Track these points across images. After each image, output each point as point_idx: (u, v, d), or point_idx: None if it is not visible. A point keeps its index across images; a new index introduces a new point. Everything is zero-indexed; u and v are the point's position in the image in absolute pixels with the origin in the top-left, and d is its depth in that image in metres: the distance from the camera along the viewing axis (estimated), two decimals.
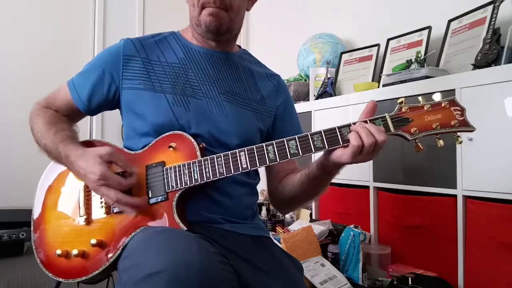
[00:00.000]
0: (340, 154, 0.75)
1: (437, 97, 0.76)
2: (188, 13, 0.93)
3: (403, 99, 0.77)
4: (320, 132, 0.76)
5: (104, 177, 0.76)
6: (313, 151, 0.76)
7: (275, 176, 1.01)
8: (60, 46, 2.96)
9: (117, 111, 0.99)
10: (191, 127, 0.86)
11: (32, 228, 0.90)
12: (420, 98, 0.77)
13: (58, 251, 0.83)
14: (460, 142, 0.76)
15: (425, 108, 0.75)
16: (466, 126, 0.74)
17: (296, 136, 0.77)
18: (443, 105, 0.75)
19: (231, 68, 0.97)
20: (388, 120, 0.76)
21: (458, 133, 0.75)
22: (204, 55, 0.94)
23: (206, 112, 0.89)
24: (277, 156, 0.76)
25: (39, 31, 2.88)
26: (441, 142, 0.76)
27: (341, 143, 0.75)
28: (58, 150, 0.84)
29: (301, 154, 0.76)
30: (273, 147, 0.77)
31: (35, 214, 0.91)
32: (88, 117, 1.02)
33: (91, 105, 0.94)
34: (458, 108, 0.75)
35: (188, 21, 0.96)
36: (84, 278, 0.80)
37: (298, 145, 0.76)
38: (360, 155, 0.74)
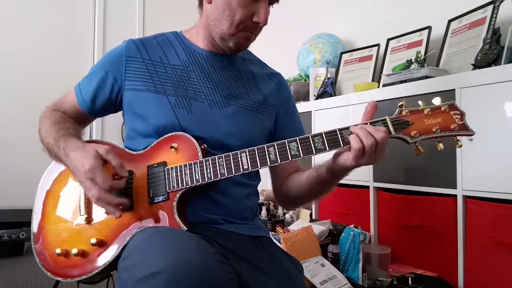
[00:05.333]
0: (345, 158, 0.77)
1: (437, 101, 0.77)
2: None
3: (403, 102, 0.77)
4: (321, 134, 0.76)
5: (93, 171, 0.76)
6: (314, 152, 0.76)
7: (279, 175, 1.02)
8: (60, 46, 2.96)
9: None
10: (193, 129, 0.86)
11: (31, 227, 0.90)
12: (420, 102, 0.77)
13: (58, 250, 0.83)
14: (460, 146, 0.77)
15: (425, 111, 0.76)
16: (465, 130, 0.75)
17: (297, 138, 0.77)
18: (443, 109, 0.76)
19: (233, 71, 0.97)
20: (389, 122, 0.76)
21: (458, 137, 0.76)
22: (207, 58, 0.94)
23: (208, 115, 0.89)
24: (278, 158, 0.77)
25: (39, 31, 2.88)
26: (441, 146, 0.76)
27: (341, 145, 0.76)
28: (58, 143, 0.85)
29: (302, 156, 0.76)
30: (274, 148, 0.77)
31: (36, 213, 0.91)
32: None
33: (95, 106, 0.95)
34: (458, 112, 0.75)
35: (192, 22, 0.96)
36: (83, 277, 0.80)
37: (299, 147, 0.76)
38: (363, 157, 0.74)
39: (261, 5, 0.84)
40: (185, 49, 0.95)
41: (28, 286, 1.91)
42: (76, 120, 0.98)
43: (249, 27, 0.87)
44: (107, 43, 3.08)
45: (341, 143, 0.76)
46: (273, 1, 0.88)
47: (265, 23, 0.86)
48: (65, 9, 3.00)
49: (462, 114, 0.75)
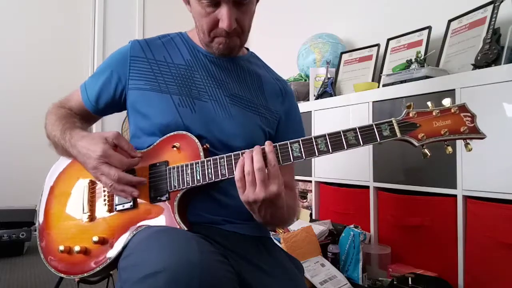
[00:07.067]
0: None
1: (446, 102, 0.73)
2: (189, 14, 0.93)
3: (411, 103, 0.74)
4: (324, 136, 0.75)
5: (106, 155, 0.77)
6: (317, 154, 0.75)
7: None
8: (60, 46, 2.96)
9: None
10: (196, 128, 0.86)
11: (36, 224, 0.91)
12: (429, 103, 0.74)
13: (61, 247, 0.84)
14: (470, 150, 0.73)
15: (434, 113, 0.73)
16: (476, 133, 0.71)
17: (300, 139, 0.76)
18: (452, 110, 0.73)
19: (237, 72, 0.97)
20: (395, 125, 0.73)
21: (468, 140, 0.73)
22: (210, 59, 0.95)
23: (211, 114, 0.89)
24: (280, 159, 0.76)
25: (39, 31, 2.88)
26: (449, 149, 0.73)
27: (345, 147, 0.74)
28: (64, 136, 0.86)
29: (304, 158, 0.75)
30: (276, 149, 0.77)
31: (40, 210, 0.92)
32: None
33: (99, 105, 0.96)
34: (469, 114, 0.72)
35: (192, 23, 0.96)
36: (85, 274, 0.81)
37: (302, 148, 0.75)
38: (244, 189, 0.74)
39: (221, 11, 0.82)
40: (189, 49, 0.96)
41: (28, 286, 1.91)
42: (82, 117, 0.99)
43: (219, 33, 0.86)
44: (107, 43, 3.08)
45: (345, 145, 0.73)
46: (239, 3, 0.83)
47: (230, 27, 0.82)
48: (65, 9, 3.00)
49: (473, 116, 0.72)
